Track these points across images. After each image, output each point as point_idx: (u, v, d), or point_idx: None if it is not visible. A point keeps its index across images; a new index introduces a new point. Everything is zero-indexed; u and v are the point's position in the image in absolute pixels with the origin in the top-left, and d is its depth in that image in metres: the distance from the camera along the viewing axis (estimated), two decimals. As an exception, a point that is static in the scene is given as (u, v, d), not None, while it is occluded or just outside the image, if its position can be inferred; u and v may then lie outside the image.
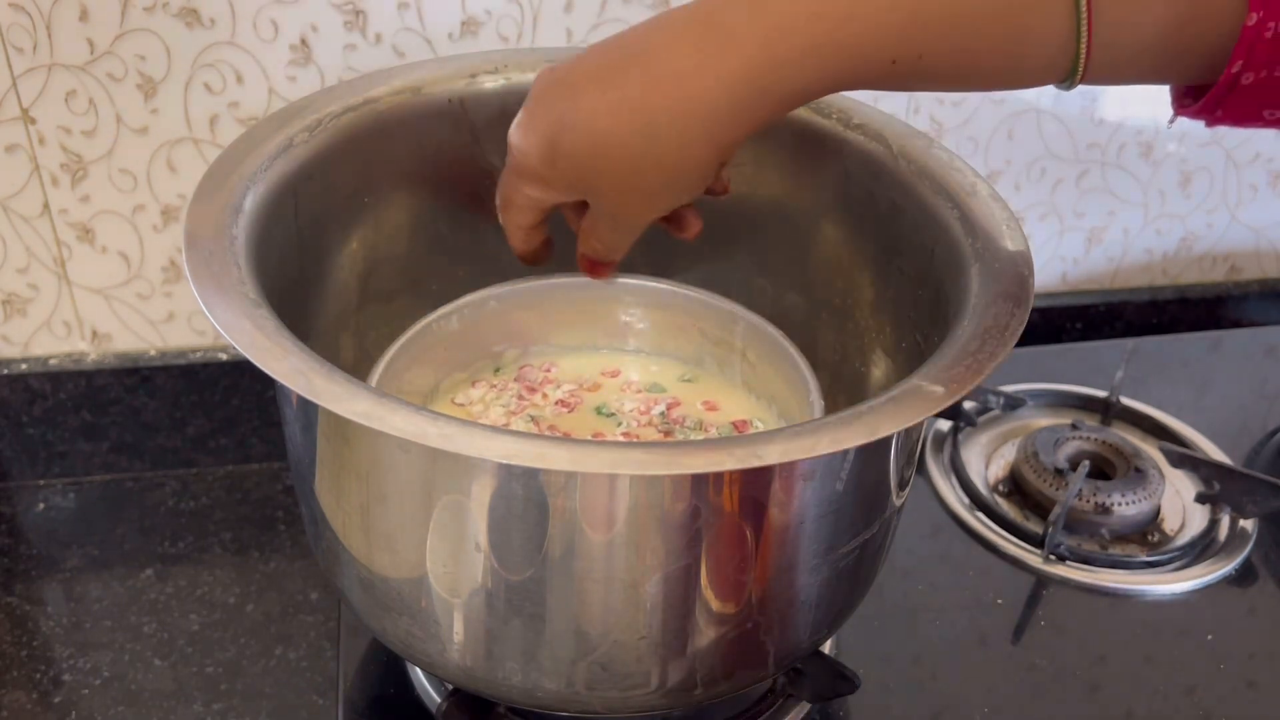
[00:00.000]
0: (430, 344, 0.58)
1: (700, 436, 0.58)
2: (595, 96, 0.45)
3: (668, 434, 0.58)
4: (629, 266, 0.60)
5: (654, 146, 0.45)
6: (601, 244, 0.53)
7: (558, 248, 0.56)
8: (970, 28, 0.42)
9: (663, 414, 0.59)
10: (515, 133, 0.49)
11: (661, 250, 0.66)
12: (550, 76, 0.47)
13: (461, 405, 0.60)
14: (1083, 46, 0.41)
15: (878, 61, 0.43)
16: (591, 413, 0.59)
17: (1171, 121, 0.46)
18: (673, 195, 0.49)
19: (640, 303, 0.62)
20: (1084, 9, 0.41)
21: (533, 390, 0.60)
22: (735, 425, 0.59)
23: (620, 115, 0.45)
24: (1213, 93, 0.41)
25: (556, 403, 0.60)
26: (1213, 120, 0.43)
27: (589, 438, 0.57)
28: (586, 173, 0.47)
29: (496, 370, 0.62)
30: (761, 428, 0.59)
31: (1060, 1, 0.41)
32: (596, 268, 0.55)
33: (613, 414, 0.59)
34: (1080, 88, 0.44)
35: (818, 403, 0.54)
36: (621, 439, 0.57)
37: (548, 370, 0.62)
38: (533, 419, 0.58)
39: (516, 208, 0.52)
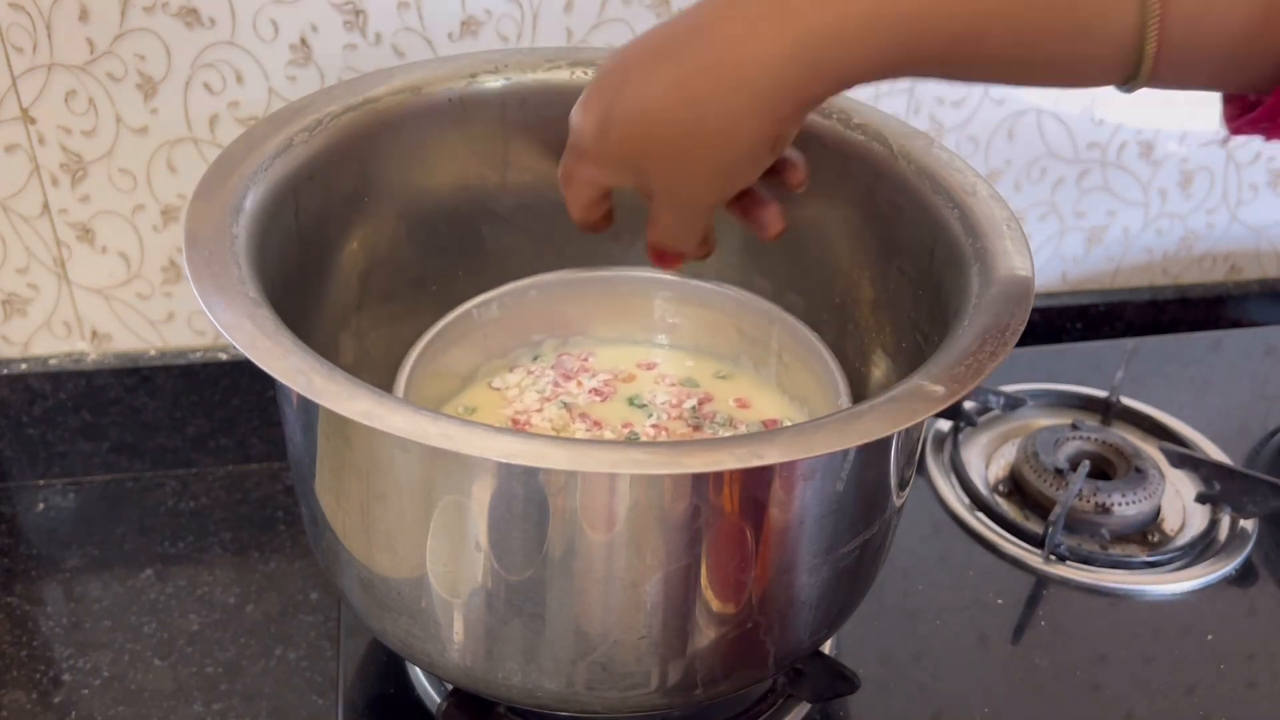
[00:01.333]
0: (469, 329, 0.60)
1: (729, 433, 0.58)
2: (648, 72, 0.45)
3: (697, 428, 0.58)
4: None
5: (701, 121, 0.44)
6: (665, 233, 0.51)
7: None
8: (1033, 15, 0.40)
9: (694, 409, 0.60)
10: (574, 111, 0.48)
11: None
12: (611, 55, 0.47)
13: (498, 389, 0.61)
14: (1150, 46, 0.40)
15: (936, 43, 0.41)
16: (624, 403, 0.60)
17: (1225, 141, 0.44)
18: (726, 176, 0.47)
19: (680, 299, 0.63)
20: (1154, 6, 0.39)
21: (568, 378, 0.61)
22: (765, 424, 0.60)
23: (668, 90, 0.44)
24: (1275, 100, 0.40)
25: (590, 391, 0.60)
26: (1275, 131, 0.42)
27: (618, 427, 0.58)
28: (636, 151, 0.46)
29: (535, 358, 0.63)
30: None
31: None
32: (665, 258, 0.53)
33: (644, 405, 0.60)
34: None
35: (846, 406, 0.54)
36: (651, 429, 0.58)
37: (585, 360, 0.63)
38: (565, 405, 0.59)
39: (575, 185, 0.51)
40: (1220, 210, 0.91)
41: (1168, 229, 0.91)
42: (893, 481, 0.49)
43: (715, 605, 0.46)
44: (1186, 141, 0.87)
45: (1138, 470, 0.74)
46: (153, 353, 0.76)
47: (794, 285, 0.64)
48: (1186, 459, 0.76)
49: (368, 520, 0.47)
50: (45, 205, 0.70)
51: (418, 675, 0.61)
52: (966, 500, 0.74)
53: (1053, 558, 0.70)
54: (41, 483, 0.78)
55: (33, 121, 0.67)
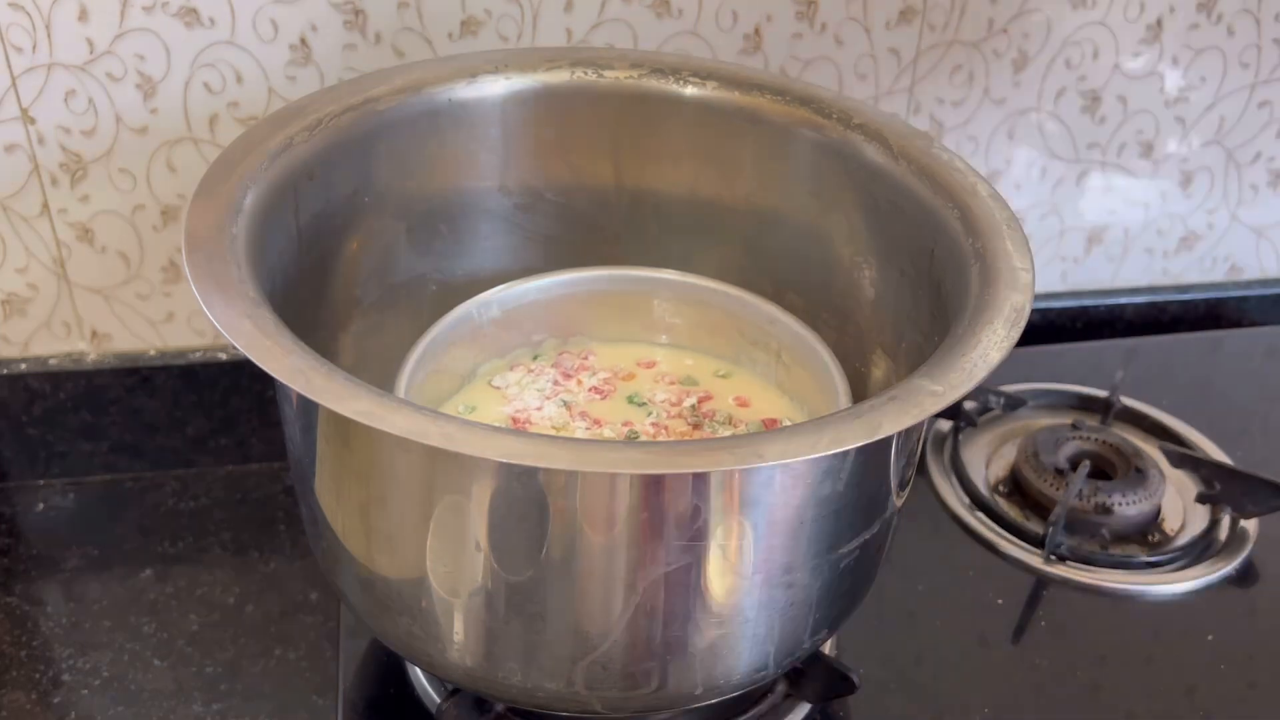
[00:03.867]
0: (470, 329, 0.60)
1: (729, 431, 0.59)
2: None
3: (696, 426, 0.59)
4: (658, 263, 0.61)
5: None
6: None
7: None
8: None
9: (693, 407, 0.60)
10: None
11: (665, 250, 0.66)
12: None
13: (498, 388, 0.61)
14: None
15: None
16: (623, 401, 0.61)
17: None
18: None
19: (680, 298, 0.63)
20: None
21: (568, 376, 0.62)
22: (765, 423, 0.60)
23: None
24: None
25: (590, 389, 0.61)
26: None
27: (618, 425, 0.58)
28: None
29: (535, 357, 0.64)
30: None
31: None
32: None
33: (644, 403, 0.60)
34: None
35: (846, 406, 0.54)
36: (650, 428, 0.58)
37: (585, 358, 0.63)
38: (565, 404, 0.59)
39: None
40: (1220, 210, 0.91)
41: (1168, 229, 0.91)
42: (893, 482, 0.49)
43: (715, 605, 0.46)
44: (1186, 141, 0.87)
45: (1138, 470, 0.74)
46: (153, 353, 0.76)
47: (794, 285, 0.64)
48: (1186, 459, 0.76)
49: (368, 520, 0.47)
50: (45, 205, 0.70)
51: (418, 675, 0.61)
52: (966, 500, 0.74)
53: (1053, 558, 0.70)
54: (41, 483, 0.78)
55: (33, 121, 0.67)
